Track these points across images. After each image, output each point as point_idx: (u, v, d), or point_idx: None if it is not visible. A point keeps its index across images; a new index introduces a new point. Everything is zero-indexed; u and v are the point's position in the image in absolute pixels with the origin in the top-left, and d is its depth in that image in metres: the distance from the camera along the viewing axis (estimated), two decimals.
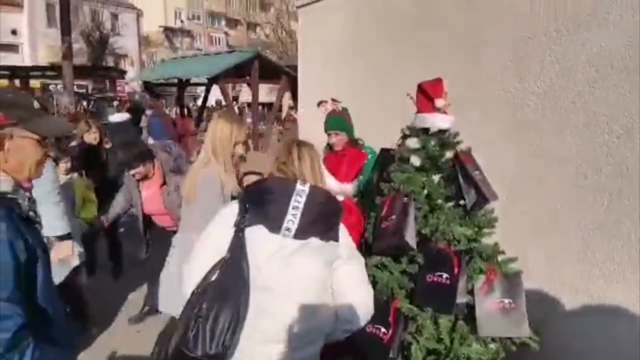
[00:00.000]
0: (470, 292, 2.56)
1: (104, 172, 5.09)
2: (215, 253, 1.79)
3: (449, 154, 2.74)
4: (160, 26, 48.39)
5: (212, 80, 6.82)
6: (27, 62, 28.47)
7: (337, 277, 1.86)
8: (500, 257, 2.65)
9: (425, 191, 2.73)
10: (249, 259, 1.74)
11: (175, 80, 7.42)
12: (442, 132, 2.75)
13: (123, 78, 26.74)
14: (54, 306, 1.60)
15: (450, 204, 2.73)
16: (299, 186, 1.82)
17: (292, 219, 1.75)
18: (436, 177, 2.76)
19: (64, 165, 4.32)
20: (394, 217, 2.67)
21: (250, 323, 1.73)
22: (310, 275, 1.78)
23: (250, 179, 3.00)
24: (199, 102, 26.44)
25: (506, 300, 2.54)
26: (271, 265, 1.75)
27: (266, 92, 15.29)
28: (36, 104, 1.91)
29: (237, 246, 1.75)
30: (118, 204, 4.04)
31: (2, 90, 3.20)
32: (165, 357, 1.75)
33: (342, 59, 4.94)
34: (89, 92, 23.39)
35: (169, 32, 50.01)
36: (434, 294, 2.51)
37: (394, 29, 4.31)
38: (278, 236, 1.76)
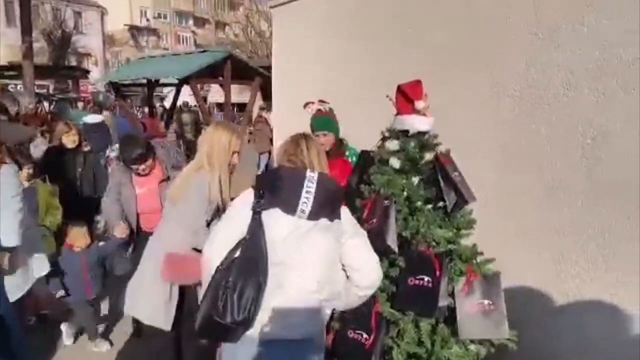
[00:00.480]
0: (451, 295, 2.56)
1: (79, 176, 4.91)
2: (234, 234, 2.02)
3: (428, 156, 2.73)
4: (125, 25, 47.39)
5: (183, 81, 6.68)
6: None
7: (347, 251, 2.13)
8: (478, 259, 2.66)
9: (405, 193, 2.72)
10: (266, 238, 1.97)
11: (144, 81, 7.23)
12: (421, 134, 2.74)
13: (86, 78, 26.02)
14: (10, 320, 1.50)
15: (430, 206, 2.72)
16: (309, 173, 2.07)
17: (306, 202, 1.98)
18: (415, 179, 2.75)
19: (27, 171, 4.15)
20: (374, 220, 2.64)
21: (268, 295, 1.96)
22: (322, 250, 2.03)
23: None
24: (166, 102, 26.05)
25: (486, 302, 2.54)
26: (287, 243, 1.98)
27: (236, 93, 15.10)
28: None
29: (256, 227, 1.97)
30: (112, 213, 3.79)
31: None
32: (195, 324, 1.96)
33: (318, 58, 4.90)
34: (51, 92, 22.63)
35: (135, 30, 49.02)
36: (416, 297, 2.50)
37: (369, 30, 4.29)
38: (293, 217, 1.99)
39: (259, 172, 2.73)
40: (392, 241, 2.57)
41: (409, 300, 2.52)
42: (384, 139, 2.89)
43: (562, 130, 2.98)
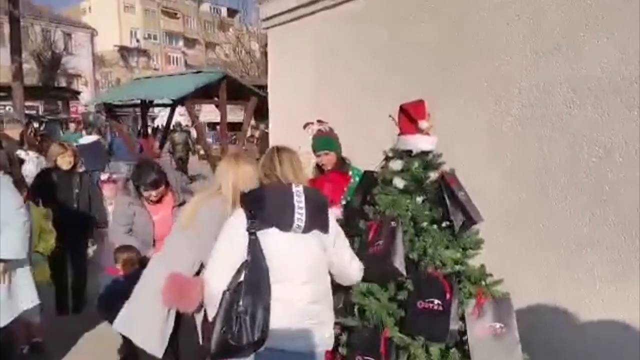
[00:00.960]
0: (462, 318, 2.50)
1: (75, 197, 4.82)
2: (233, 256, 2.10)
3: (432, 176, 2.70)
4: (115, 45, 47.46)
5: (178, 102, 6.63)
6: None
7: (333, 262, 2.31)
8: (487, 280, 2.61)
9: (410, 214, 2.67)
10: (265, 257, 2.07)
11: (137, 101, 7.17)
12: (425, 153, 2.71)
13: (76, 99, 25.93)
14: None
15: (435, 226, 2.68)
16: (294, 188, 2.18)
17: (300, 217, 2.11)
18: (420, 199, 2.71)
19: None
20: (381, 242, 2.59)
21: (272, 310, 2.07)
22: (315, 261, 2.19)
23: None
24: (157, 122, 25.97)
25: (497, 325, 2.48)
26: (285, 258, 2.11)
27: (228, 112, 15.13)
28: None
29: (255, 249, 2.06)
30: (118, 238, 3.67)
31: None
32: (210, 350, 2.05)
33: (313, 77, 4.89)
34: (41, 113, 22.49)
35: (125, 51, 49.10)
36: (426, 321, 2.43)
37: (366, 48, 4.29)
38: (289, 233, 2.11)
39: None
40: (399, 264, 2.52)
41: (419, 324, 2.46)
42: (387, 159, 2.86)
43: (565, 149, 2.97)
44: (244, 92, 6.69)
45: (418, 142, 2.69)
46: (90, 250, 5.40)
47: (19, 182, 4.13)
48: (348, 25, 4.47)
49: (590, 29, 2.82)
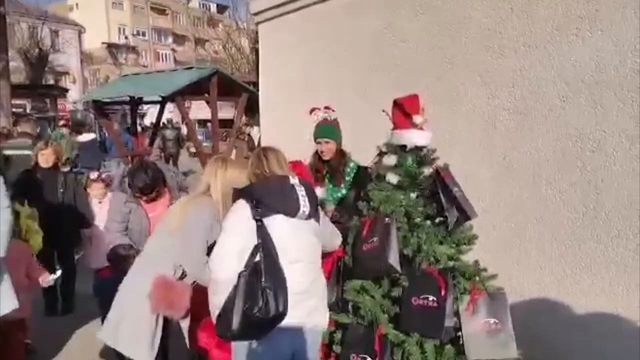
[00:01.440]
0: (456, 314, 2.48)
1: (60, 197, 4.72)
2: (240, 244, 2.22)
3: (426, 171, 2.68)
4: (103, 42, 47.01)
5: (168, 98, 6.55)
6: None
7: (324, 243, 2.52)
8: (481, 275, 2.59)
9: (404, 210, 2.64)
10: (274, 241, 2.22)
11: (127, 98, 7.07)
12: (419, 148, 2.69)
13: (64, 96, 25.60)
14: None
15: (429, 222, 2.65)
16: (292, 180, 2.37)
17: (305, 204, 2.31)
18: (414, 195, 2.69)
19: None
20: (375, 239, 2.56)
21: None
22: (312, 243, 2.39)
23: None
24: (146, 119, 25.75)
25: (491, 320, 2.47)
26: (291, 241, 2.27)
27: (219, 109, 15.06)
28: None
29: (264, 233, 2.21)
30: (113, 237, 3.56)
31: None
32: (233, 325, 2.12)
33: (305, 72, 4.85)
34: (28, 111, 22.21)
35: (113, 48, 48.63)
36: (421, 318, 2.41)
37: (358, 44, 4.25)
38: (294, 219, 2.30)
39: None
40: (394, 260, 2.49)
41: (413, 321, 2.43)
42: (381, 154, 2.83)
43: (559, 143, 2.96)
44: (235, 88, 6.61)
45: (412, 137, 2.67)
46: (76, 250, 5.28)
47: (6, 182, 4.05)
48: (340, 20, 4.43)
49: (585, 22, 2.81)
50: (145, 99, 7.49)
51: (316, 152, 3.35)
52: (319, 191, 3.22)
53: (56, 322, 4.75)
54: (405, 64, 3.81)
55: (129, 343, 2.86)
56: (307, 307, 2.31)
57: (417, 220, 2.64)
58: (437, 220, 2.63)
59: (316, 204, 2.45)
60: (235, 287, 2.13)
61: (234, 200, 2.44)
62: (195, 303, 3.23)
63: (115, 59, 48.00)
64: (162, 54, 54.11)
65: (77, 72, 40.32)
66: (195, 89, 6.42)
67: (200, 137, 18.72)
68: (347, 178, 3.32)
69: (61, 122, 15.38)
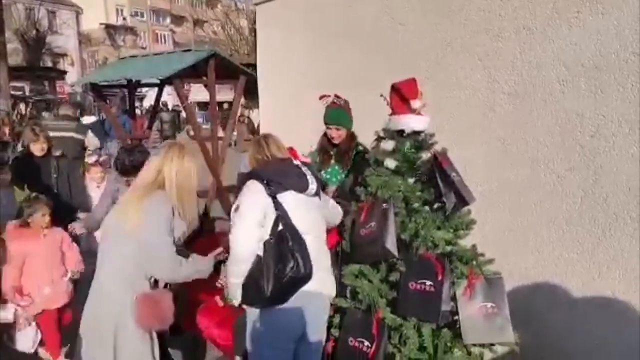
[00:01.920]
0: (453, 298, 2.50)
1: (54, 183, 4.72)
2: (257, 217, 2.41)
3: (424, 156, 2.67)
4: (101, 24, 46.48)
5: (165, 81, 6.51)
6: None
7: (326, 216, 2.69)
8: (479, 259, 2.61)
9: (402, 195, 2.65)
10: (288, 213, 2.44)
11: (124, 81, 7.03)
12: (417, 133, 2.68)
13: (63, 79, 25.45)
14: None
15: (427, 207, 2.66)
16: (297, 162, 2.61)
17: (313, 183, 2.51)
18: (412, 180, 2.69)
19: (6, 177, 3.98)
20: (373, 224, 2.57)
21: None
22: (318, 218, 2.59)
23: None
24: (145, 102, 25.63)
25: (488, 305, 2.49)
26: (301, 214, 2.45)
27: (218, 91, 15.00)
28: None
29: (279, 206, 2.41)
30: (100, 212, 3.51)
31: None
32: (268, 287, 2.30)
33: (303, 54, 4.80)
34: (27, 94, 22.11)
35: (111, 29, 48.06)
36: (418, 302, 2.43)
37: (357, 27, 4.21)
38: (302, 195, 2.49)
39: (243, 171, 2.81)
40: (391, 245, 2.51)
41: (410, 305, 2.46)
42: (378, 139, 2.82)
43: (558, 127, 2.95)
44: (234, 70, 6.57)
45: (410, 122, 2.65)
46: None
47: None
48: (338, 2, 4.37)
49: (585, 4, 2.77)
50: (143, 81, 7.45)
51: (325, 134, 3.33)
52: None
53: None
54: (403, 47, 3.78)
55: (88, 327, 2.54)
56: (317, 277, 2.41)
57: (415, 205, 2.64)
58: (435, 205, 2.64)
59: (320, 183, 2.65)
60: (263, 254, 2.33)
61: (242, 183, 2.60)
62: (192, 289, 3.24)
63: (113, 40, 47.51)
64: (160, 35, 53.54)
65: (75, 53, 40.01)
66: (193, 72, 6.38)
67: (199, 120, 18.63)
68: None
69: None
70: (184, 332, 3.25)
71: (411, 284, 2.48)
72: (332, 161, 3.34)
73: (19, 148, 5.76)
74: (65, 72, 25.12)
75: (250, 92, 7.52)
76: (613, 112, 2.70)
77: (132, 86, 7.68)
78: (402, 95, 2.65)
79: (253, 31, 19.24)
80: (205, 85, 6.71)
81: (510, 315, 2.45)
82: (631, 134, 2.64)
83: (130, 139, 6.94)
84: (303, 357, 2.56)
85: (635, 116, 2.61)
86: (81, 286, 3.42)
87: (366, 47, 4.11)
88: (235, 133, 10.74)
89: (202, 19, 42.37)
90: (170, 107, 19.41)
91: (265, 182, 2.46)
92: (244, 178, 2.62)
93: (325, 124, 3.26)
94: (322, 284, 2.50)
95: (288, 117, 4.99)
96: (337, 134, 3.24)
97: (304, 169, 2.56)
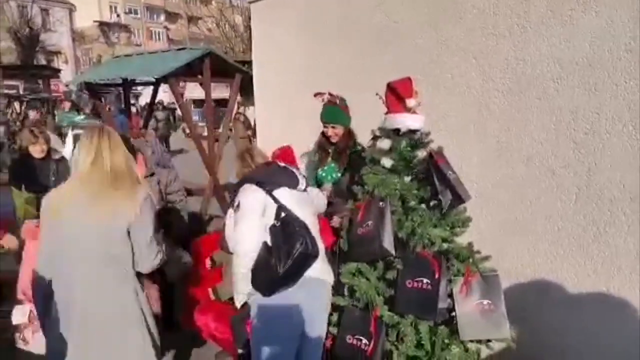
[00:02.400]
0: (450, 295, 2.52)
1: (52, 184, 4.71)
2: (260, 207, 2.54)
3: (420, 154, 2.68)
4: (95, 21, 46.22)
5: (161, 80, 6.50)
6: None
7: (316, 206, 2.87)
8: (475, 257, 2.63)
9: (398, 193, 2.67)
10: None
11: (119, 80, 7.01)
12: (412, 132, 2.69)
13: (57, 77, 25.27)
14: None
15: (424, 205, 2.68)
16: (280, 164, 2.79)
17: (302, 179, 2.69)
18: (408, 179, 2.70)
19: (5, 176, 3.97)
20: (370, 222, 2.59)
21: None
22: (310, 211, 2.69)
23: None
24: (141, 100, 25.53)
25: (485, 302, 2.51)
26: (296, 209, 2.55)
27: (213, 89, 15.00)
28: None
29: (277, 200, 2.55)
30: None
31: None
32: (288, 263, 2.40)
33: (298, 52, 4.81)
34: (21, 92, 21.97)
35: (105, 27, 47.81)
36: (415, 300, 2.45)
37: (352, 25, 4.21)
38: (295, 191, 2.63)
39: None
40: (389, 244, 2.52)
41: (408, 303, 2.48)
42: (374, 138, 2.83)
43: (552, 125, 2.97)
44: (229, 68, 6.56)
45: (406, 121, 2.67)
46: None
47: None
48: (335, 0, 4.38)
49: (578, 3, 2.78)
50: (138, 80, 7.43)
51: (323, 133, 3.34)
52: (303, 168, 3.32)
53: None
54: (399, 45, 3.79)
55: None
56: (317, 264, 2.50)
57: (412, 203, 2.66)
58: (431, 204, 2.65)
59: (306, 180, 2.81)
60: (271, 238, 2.45)
61: (235, 190, 2.71)
62: (191, 286, 3.25)
63: (107, 37, 47.26)
64: (154, 32, 53.30)
65: (69, 51, 39.78)
66: (189, 70, 6.37)
67: (195, 118, 18.59)
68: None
69: (67, 104, 15.28)
70: (182, 330, 3.28)
71: (408, 282, 2.50)
72: (330, 159, 3.36)
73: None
74: (59, 70, 24.91)
75: (246, 90, 7.52)
76: (607, 110, 2.73)
77: (127, 85, 7.67)
78: (397, 94, 2.66)
79: (248, 28, 19.19)
80: (201, 84, 6.70)
81: (506, 311, 2.48)
82: (625, 131, 2.66)
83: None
84: (305, 350, 2.60)
85: (629, 113, 2.63)
86: None
87: (361, 45, 4.12)
88: (229, 132, 10.73)
89: (197, 15, 42.14)
90: (165, 104, 19.40)
91: (258, 183, 2.59)
92: (236, 185, 2.74)
93: (322, 121, 3.27)
94: (322, 271, 2.59)
95: (283, 114, 5.00)
96: (334, 132, 3.24)
97: (290, 168, 2.73)
